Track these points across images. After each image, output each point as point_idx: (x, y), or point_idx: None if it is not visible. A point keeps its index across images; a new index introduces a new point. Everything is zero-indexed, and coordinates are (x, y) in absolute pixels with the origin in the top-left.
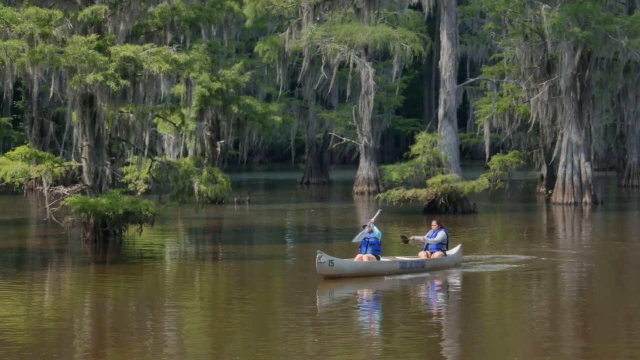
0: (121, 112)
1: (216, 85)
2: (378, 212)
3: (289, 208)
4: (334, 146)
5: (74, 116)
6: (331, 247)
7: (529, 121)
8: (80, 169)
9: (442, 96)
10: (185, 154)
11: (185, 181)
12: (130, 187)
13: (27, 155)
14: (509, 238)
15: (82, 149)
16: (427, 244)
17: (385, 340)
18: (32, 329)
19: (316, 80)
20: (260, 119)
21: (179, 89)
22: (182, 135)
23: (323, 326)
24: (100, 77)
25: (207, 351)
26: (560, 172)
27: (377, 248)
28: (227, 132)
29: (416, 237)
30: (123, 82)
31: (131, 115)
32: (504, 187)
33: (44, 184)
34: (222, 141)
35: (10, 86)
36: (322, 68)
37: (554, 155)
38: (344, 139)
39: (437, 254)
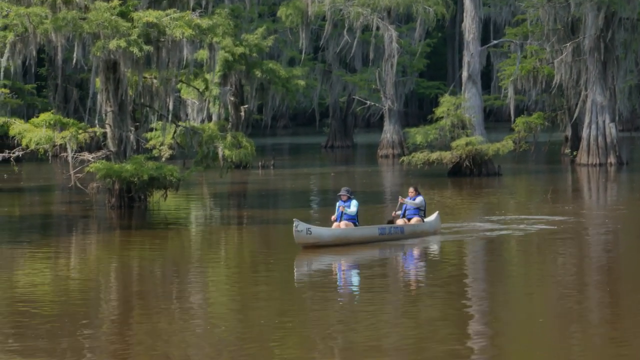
0: (145, 77)
1: (239, 49)
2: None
3: (314, 172)
4: (357, 110)
5: (98, 82)
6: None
7: (553, 83)
8: (104, 135)
9: (465, 58)
10: (209, 119)
11: (209, 146)
12: (155, 152)
13: (52, 122)
14: (533, 200)
15: (106, 115)
16: (405, 211)
17: (419, 301)
18: (58, 296)
19: (339, 43)
20: (284, 83)
21: (202, 54)
22: (205, 100)
23: (350, 291)
24: (123, 43)
25: (233, 316)
26: (584, 133)
27: (353, 217)
28: (250, 96)
29: (397, 212)
30: (146, 47)
31: (155, 80)
32: (528, 149)
33: (69, 150)
34: (246, 106)
35: (34, 53)
36: (345, 31)
37: (578, 116)
38: (368, 102)
39: (415, 219)
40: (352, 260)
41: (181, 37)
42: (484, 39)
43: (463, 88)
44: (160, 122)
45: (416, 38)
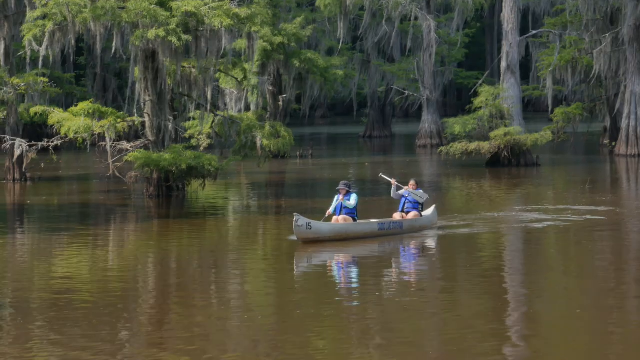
0: (183, 67)
1: (278, 39)
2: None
3: (352, 162)
4: (396, 99)
5: (137, 72)
6: (393, 200)
7: (592, 73)
8: (143, 124)
9: (504, 49)
10: (248, 108)
11: (247, 135)
12: (193, 142)
13: (90, 111)
14: (571, 190)
15: (144, 105)
16: (404, 205)
17: (456, 293)
18: (97, 286)
19: (378, 33)
20: (322, 72)
21: (241, 43)
22: (244, 89)
23: (387, 283)
24: (162, 33)
25: (270, 306)
26: (623, 124)
27: (352, 211)
28: (289, 86)
29: (397, 184)
30: (185, 37)
31: (193, 70)
32: (567, 140)
33: (107, 139)
34: (284, 95)
35: (73, 42)
36: (383, 21)
37: (618, 106)
38: (406, 92)
39: (412, 214)
40: (382, 252)
41: (220, 26)
42: (523, 29)
43: (502, 78)
44: (198, 112)
45: (455, 28)
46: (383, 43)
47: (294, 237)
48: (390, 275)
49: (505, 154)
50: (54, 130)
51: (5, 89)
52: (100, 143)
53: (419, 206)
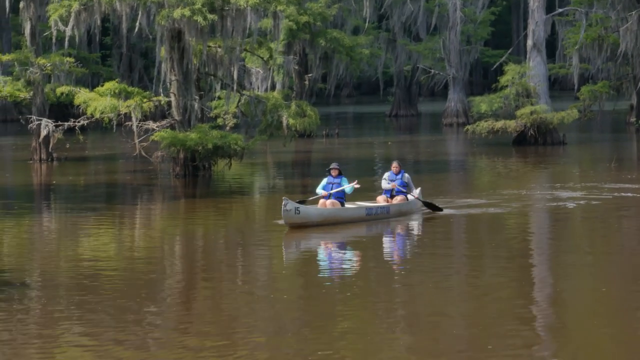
0: (209, 46)
1: (303, 18)
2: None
3: (378, 141)
4: (422, 78)
5: (162, 51)
6: (419, 179)
7: (619, 51)
8: (169, 104)
9: (530, 27)
10: (273, 87)
11: (273, 115)
12: (219, 121)
13: (116, 91)
14: (598, 169)
15: (170, 84)
16: (392, 190)
17: (482, 271)
18: (123, 266)
19: (403, 12)
20: (348, 52)
21: (267, 22)
22: (270, 69)
23: (418, 265)
24: (187, 12)
25: (296, 285)
26: None
27: (341, 195)
28: (314, 65)
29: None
30: (210, 16)
31: (219, 49)
32: (593, 118)
33: (133, 119)
34: (310, 74)
35: (98, 22)
36: (409, 0)
37: None
38: (432, 71)
39: (399, 198)
40: (404, 232)
41: (245, 5)
42: (549, 7)
43: (528, 56)
44: (224, 91)
45: (480, 6)
46: (409, 22)
47: (281, 222)
48: (415, 255)
49: (532, 132)
50: (80, 110)
51: (31, 69)
52: (127, 123)
53: (408, 189)
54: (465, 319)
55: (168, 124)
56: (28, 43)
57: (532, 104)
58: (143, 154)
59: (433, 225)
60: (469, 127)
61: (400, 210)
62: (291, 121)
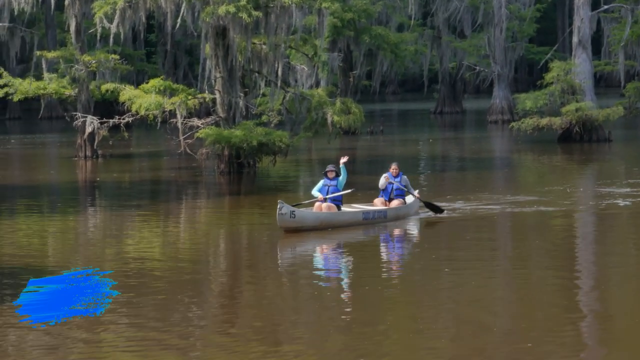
0: (254, 43)
1: (348, 15)
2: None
3: (422, 138)
4: (467, 75)
5: (207, 48)
6: (464, 176)
7: None
8: (213, 101)
9: (576, 23)
10: (318, 84)
11: (318, 112)
12: (264, 118)
13: (161, 88)
14: None
15: (215, 81)
16: (391, 193)
17: (527, 267)
18: (168, 263)
19: (448, 9)
20: (393, 49)
21: (311, 19)
22: (314, 66)
23: (463, 259)
24: (232, 9)
25: (341, 282)
26: None
27: (338, 198)
28: (359, 62)
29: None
30: (255, 13)
31: (264, 46)
32: (639, 114)
33: (178, 116)
34: (355, 71)
35: (143, 19)
36: None
37: None
38: (477, 68)
39: (396, 202)
40: (450, 227)
41: (290, 2)
42: (595, 4)
43: (573, 53)
44: (269, 88)
45: (526, 3)
46: (453, 19)
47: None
48: (461, 249)
49: (577, 129)
50: (125, 107)
51: (76, 66)
52: (171, 120)
53: (405, 193)
54: (509, 314)
55: (213, 121)
56: (73, 40)
57: (577, 101)
58: (188, 151)
59: (477, 224)
60: (514, 124)
61: (398, 214)
62: (336, 118)
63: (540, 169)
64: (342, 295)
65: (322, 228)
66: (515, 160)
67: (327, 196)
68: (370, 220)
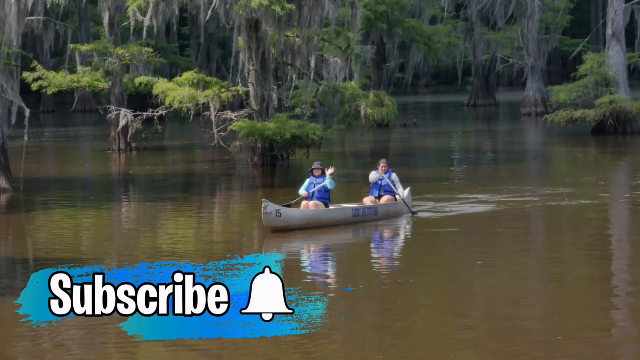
0: (287, 36)
1: (381, 8)
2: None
3: (456, 130)
4: (500, 68)
5: (240, 41)
6: (497, 169)
7: None
8: (247, 93)
9: (610, 16)
10: (351, 77)
11: (351, 105)
12: (298, 111)
13: (195, 81)
14: None
15: (248, 74)
16: (380, 189)
17: (561, 261)
18: (201, 256)
19: (482, 1)
20: (426, 41)
21: (345, 12)
22: (348, 59)
23: (499, 254)
24: (265, 2)
25: (375, 275)
26: None
27: (326, 196)
28: (392, 55)
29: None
30: (288, 6)
31: (297, 39)
32: None
33: (212, 109)
34: (388, 64)
35: (177, 12)
36: None
37: None
38: (511, 60)
39: (386, 198)
40: (487, 220)
41: None
42: None
43: (607, 45)
44: (302, 81)
45: None
46: (487, 11)
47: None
48: (494, 242)
49: (611, 122)
50: (159, 100)
51: (110, 59)
52: (205, 113)
53: (396, 188)
54: (542, 308)
55: (246, 114)
56: (107, 33)
57: (611, 93)
58: (221, 144)
59: (510, 217)
60: (547, 116)
61: (389, 211)
62: (369, 111)
63: (573, 162)
64: (375, 287)
65: (309, 227)
66: (548, 153)
67: (313, 190)
68: (360, 218)
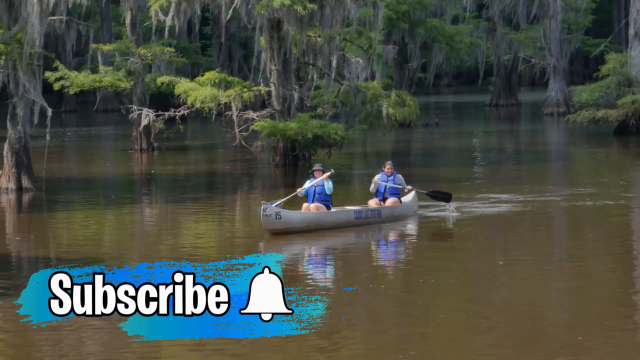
0: (309, 36)
1: (403, 7)
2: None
3: (477, 130)
4: (522, 68)
5: (262, 41)
6: (519, 169)
7: None
8: (268, 93)
9: (632, 15)
10: (373, 77)
11: (373, 104)
12: (319, 111)
13: (216, 81)
14: None
15: (270, 74)
16: (384, 192)
17: (583, 261)
18: (223, 256)
19: (503, 1)
20: (448, 41)
21: (366, 12)
22: (369, 58)
23: (520, 255)
24: (287, 2)
25: (397, 276)
26: None
27: (327, 198)
28: (414, 54)
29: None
30: (310, 6)
31: (319, 39)
32: None
33: (233, 109)
34: (410, 64)
35: (198, 12)
36: None
37: None
38: (533, 60)
39: (391, 200)
40: (508, 222)
41: None
42: None
43: (629, 45)
44: (324, 80)
45: None
46: (509, 11)
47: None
48: (516, 242)
49: (633, 122)
50: (181, 100)
51: (132, 59)
52: (226, 113)
53: (401, 192)
54: (563, 307)
55: (268, 114)
56: (129, 33)
57: (633, 93)
58: (243, 143)
59: (532, 216)
60: (569, 116)
61: (393, 213)
62: (391, 111)
63: (595, 162)
64: (399, 287)
65: (310, 229)
66: (570, 153)
67: (303, 187)
68: (363, 220)
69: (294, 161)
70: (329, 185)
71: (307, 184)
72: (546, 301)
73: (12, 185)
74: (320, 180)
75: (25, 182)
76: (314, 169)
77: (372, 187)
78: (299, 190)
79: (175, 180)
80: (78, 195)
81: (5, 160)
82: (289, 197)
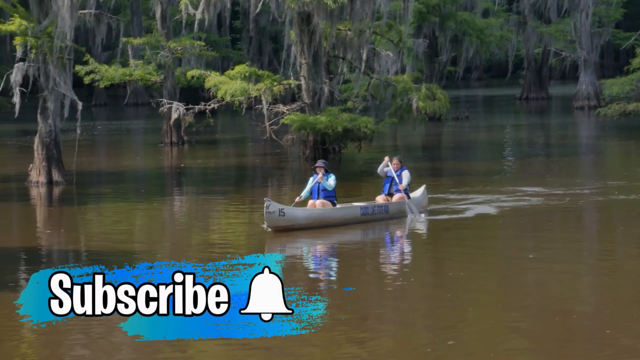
0: (339, 29)
1: (433, 1)
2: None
3: (508, 124)
4: (552, 61)
5: (292, 34)
6: (550, 162)
7: None
8: (299, 87)
9: None
10: (403, 70)
11: (403, 98)
12: (349, 104)
13: (247, 74)
14: None
15: (300, 67)
16: (390, 185)
17: (615, 256)
18: (252, 249)
19: None
20: (478, 34)
21: (396, 5)
22: (399, 52)
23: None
24: None
25: (425, 272)
26: None
27: (331, 194)
28: (444, 48)
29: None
30: None
31: (349, 32)
32: None
33: (263, 102)
34: (440, 57)
35: (228, 5)
36: None
37: None
38: (563, 53)
39: (398, 196)
40: (539, 215)
41: None
42: None
43: None
44: (354, 74)
45: None
46: (539, 4)
47: (265, 225)
48: (546, 236)
49: None
50: (211, 93)
51: (162, 52)
52: (257, 106)
53: (408, 188)
54: (593, 301)
55: (298, 107)
56: (159, 27)
57: None
58: (273, 137)
59: (562, 210)
60: (600, 110)
61: (401, 209)
62: (421, 104)
63: (626, 155)
64: (427, 282)
65: (315, 227)
66: (601, 146)
67: (299, 196)
68: (369, 217)
69: (324, 155)
70: (328, 182)
71: (310, 182)
72: (576, 294)
73: (42, 178)
74: (318, 181)
75: (56, 176)
76: (315, 165)
77: (380, 168)
78: (297, 199)
79: (205, 173)
80: (108, 189)
81: (35, 153)
82: (294, 203)
